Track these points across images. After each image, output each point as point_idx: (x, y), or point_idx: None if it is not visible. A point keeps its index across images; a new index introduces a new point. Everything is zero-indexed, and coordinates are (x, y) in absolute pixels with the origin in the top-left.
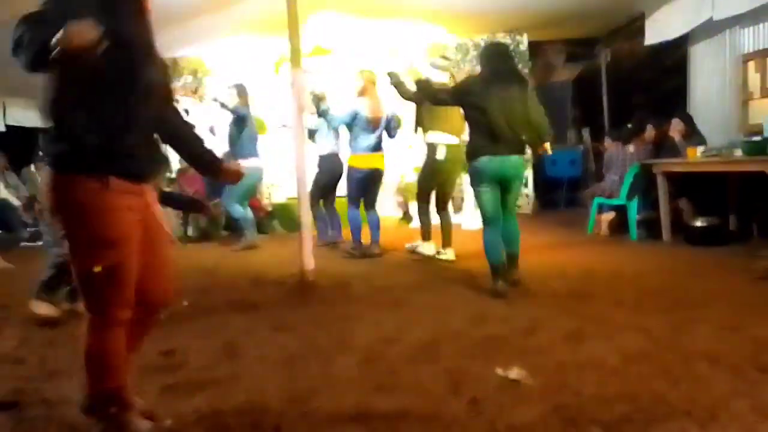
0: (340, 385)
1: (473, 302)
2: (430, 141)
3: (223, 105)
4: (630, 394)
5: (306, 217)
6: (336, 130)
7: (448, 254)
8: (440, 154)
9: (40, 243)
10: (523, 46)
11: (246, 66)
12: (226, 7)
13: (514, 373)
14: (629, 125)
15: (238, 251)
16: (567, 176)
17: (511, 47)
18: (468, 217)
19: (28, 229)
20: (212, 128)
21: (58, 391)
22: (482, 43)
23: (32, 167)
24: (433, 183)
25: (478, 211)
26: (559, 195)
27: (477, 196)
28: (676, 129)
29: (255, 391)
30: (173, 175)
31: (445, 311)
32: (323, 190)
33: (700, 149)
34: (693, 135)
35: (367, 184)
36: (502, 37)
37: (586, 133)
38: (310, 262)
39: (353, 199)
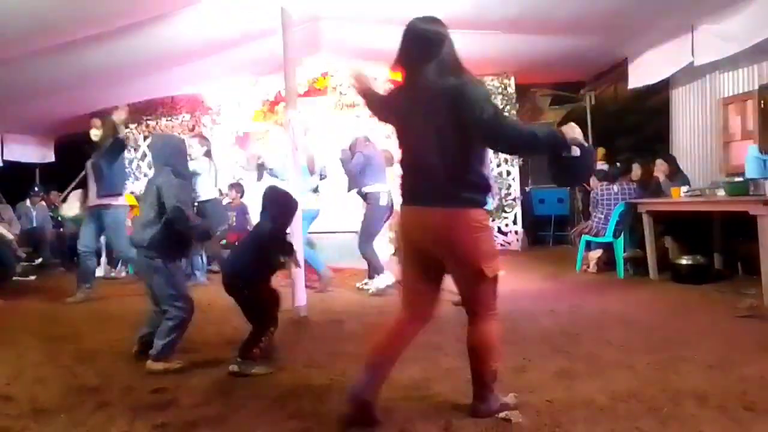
0: (332, 425)
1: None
2: (370, 191)
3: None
4: None
5: (298, 254)
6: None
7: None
8: (383, 200)
9: (32, 278)
10: (511, 89)
11: (242, 105)
12: (225, 49)
13: (505, 412)
14: (617, 164)
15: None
16: (555, 214)
17: (499, 90)
18: None
19: (21, 263)
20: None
21: (45, 430)
22: None
23: (27, 202)
24: (380, 227)
25: None
26: (548, 233)
27: None
28: (660, 169)
29: (246, 431)
30: None
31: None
32: None
33: (683, 189)
34: (677, 175)
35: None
36: (491, 80)
37: None
38: (302, 299)
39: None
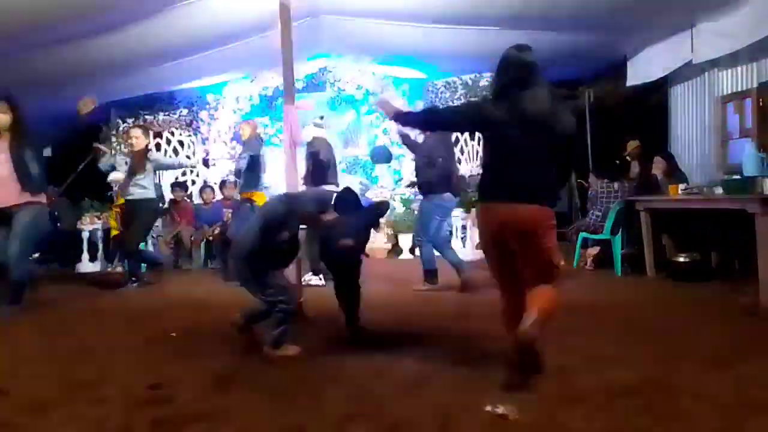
0: (329, 421)
1: (461, 336)
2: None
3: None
4: (615, 429)
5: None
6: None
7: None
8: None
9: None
10: None
11: (240, 101)
12: (223, 44)
13: (501, 408)
14: (617, 162)
15: None
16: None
17: None
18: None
19: None
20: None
21: (45, 425)
22: (470, 82)
23: None
24: None
25: None
26: None
27: None
28: (658, 167)
29: (243, 426)
30: (166, 206)
31: (431, 345)
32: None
33: (681, 187)
34: (675, 173)
35: None
36: (489, 76)
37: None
38: (300, 295)
39: None
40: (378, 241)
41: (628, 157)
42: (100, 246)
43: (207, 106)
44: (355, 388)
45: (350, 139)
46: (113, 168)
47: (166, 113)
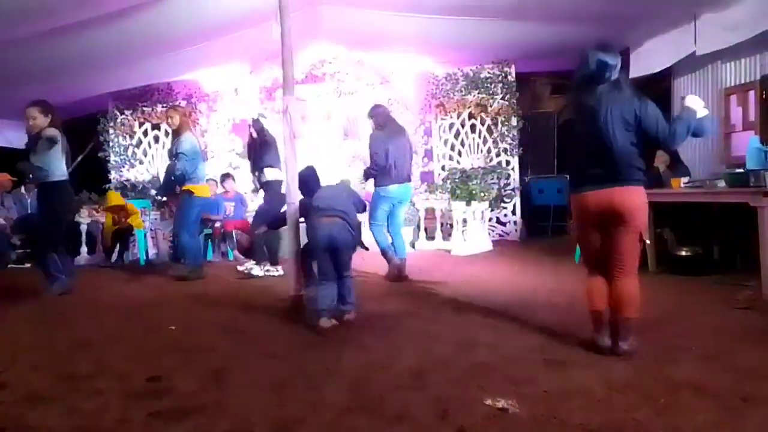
0: (328, 412)
1: (462, 329)
2: (274, 178)
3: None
4: (615, 423)
5: (294, 242)
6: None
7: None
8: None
9: (27, 265)
10: (511, 77)
11: (239, 92)
12: (222, 35)
13: (502, 402)
14: None
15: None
16: (554, 204)
17: (499, 78)
18: (457, 244)
19: (15, 251)
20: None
21: (42, 418)
22: (471, 74)
23: (22, 189)
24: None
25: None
26: (547, 223)
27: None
28: (660, 160)
29: (241, 418)
30: (164, 199)
31: (433, 338)
32: None
33: (684, 180)
34: (677, 166)
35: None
36: (490, 68)
37: None
38: (299, 288)
39: (194, 226)
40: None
41: None
42: (99, 239)
43: (206, 98)
44: (354, 381)
45: (350, 131)
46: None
47: (165, 105)
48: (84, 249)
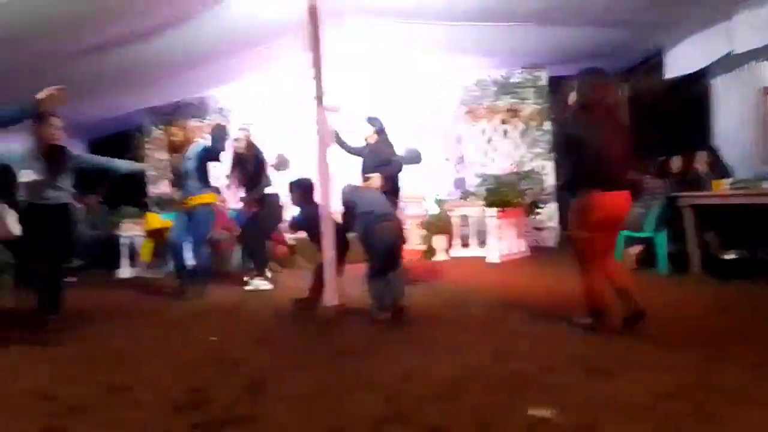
0: (363, 424)
1: (496, 338)
2: (271, 191)
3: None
4: None
5: (329, 251)
6: None
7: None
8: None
9: (73, 279)
10: (542, 82)
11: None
12: (251, 48)
13: (543, 412)
14: (660, 158)
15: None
16: None
17: (530, 82)
18: (492, 251)
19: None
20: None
21: (87, 429)
22: (501, 79)
23: None
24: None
25: None
26: None
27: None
28: (701, 161)
29: (280, 430)
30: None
31: (469, 347)
32: None
33: (726, 182)
34: (718, 167)
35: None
36: (521, 73)
37: None
38: (332, 298)
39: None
40: (412, 241)
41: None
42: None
43: (236, 111)
44: (389, 391)
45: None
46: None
47: (198, 119)
48: (124, 261)
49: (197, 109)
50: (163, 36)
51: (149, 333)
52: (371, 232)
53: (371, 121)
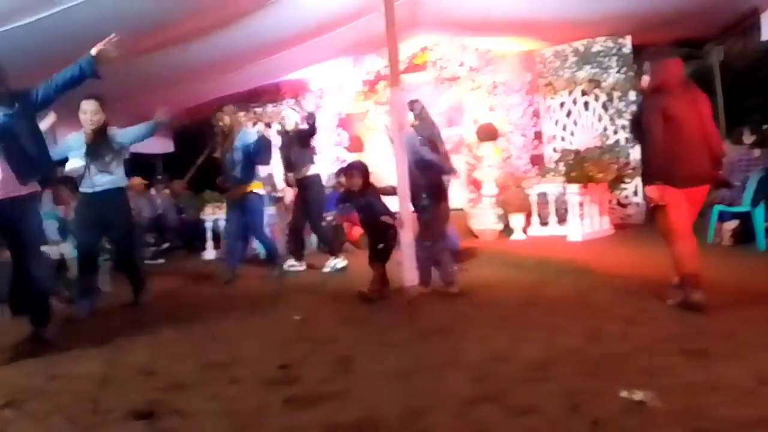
0: (454, 403)
1: (585, 319)
2: (313, 173)
3: None
4: (765, 418)
5: (407, 234)
6: None
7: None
8: (326, 181)
9: (161, 261)
10: (627, 50)
11: (343, 87)
12: (325, 32)
13: (639, 394)
14: (765, 127)
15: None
16: None
17: (614, 51)
18: (574, 229)
19: (149, 248)
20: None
21: (189, 403)
22: (581, 49)
23: (152, 190)
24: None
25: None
26: None
27: None
28: None
29: (369, 407)
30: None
31: (555, 328)
32: None
33: None
34: None
35: None
36: (604, 41)
37: None
38: (411, 278)
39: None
40: (488, 221)
41: None
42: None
43: (312, 95)
44: (477, 371)
45: (453, 119)
46: None
47: (274, 104)
48: (209, 244)
49: (273, 95)
50: (240, 25)
51: (238, 313)
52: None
53: (411, 104)
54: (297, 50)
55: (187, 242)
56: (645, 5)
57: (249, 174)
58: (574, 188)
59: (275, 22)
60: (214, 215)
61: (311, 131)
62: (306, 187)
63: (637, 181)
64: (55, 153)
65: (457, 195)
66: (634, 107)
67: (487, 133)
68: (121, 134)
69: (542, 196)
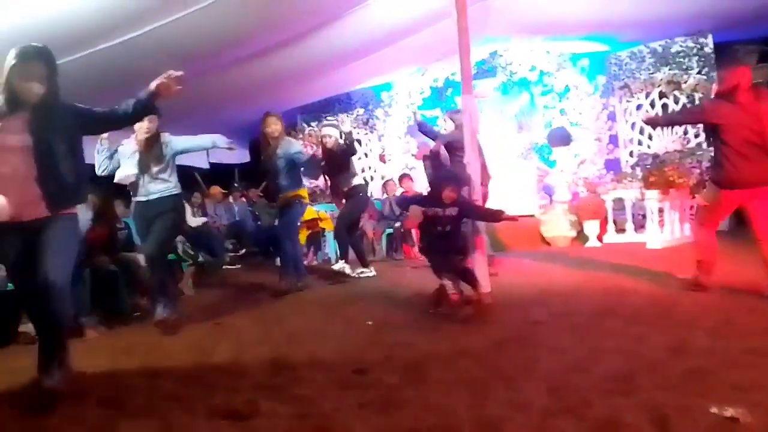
0: (531, 415)
1: (668, 331)
2: (358, 183)
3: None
4: None
5: (482, 240)
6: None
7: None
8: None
9: (238, 266)
10: (708, 49)
11: (412, 95)
12: (395, 41)
13: (730, 410)
14: None
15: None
16: None
17: (694, 50)
18: (653, 236)
19: (229, 253)
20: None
21: (269, 404)
22: (659, 49)
23: (230, 198)
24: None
25: None
26: None
27: None
28: None
29: (445, 414)
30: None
31: (636, 340)
32: None
33: None
34: None
35: None
36: (683, 41)
37: None
38: (485, 285)
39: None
40: (560, 228)
41: None
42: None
43: (381, 104)
44: (554, 381)
45: (524, 123)
46: None
47: (345, 114)
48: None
49: (344, 104)
50: (312, 37)
51: (315, 317)
52: None
53: (452, 115)
54: (367, 60)
55: (262, 248)
56: (723, 3)
57: (293, 182)
58: (653, 194)
59: (346, 33)
60: None
61: (351, 151)
62: (350, 197)
63: None
64: (111, 168)
65: (527, 201)
66: None
67: (560, 138)
68: (175, 141)
69: (618, 202)
